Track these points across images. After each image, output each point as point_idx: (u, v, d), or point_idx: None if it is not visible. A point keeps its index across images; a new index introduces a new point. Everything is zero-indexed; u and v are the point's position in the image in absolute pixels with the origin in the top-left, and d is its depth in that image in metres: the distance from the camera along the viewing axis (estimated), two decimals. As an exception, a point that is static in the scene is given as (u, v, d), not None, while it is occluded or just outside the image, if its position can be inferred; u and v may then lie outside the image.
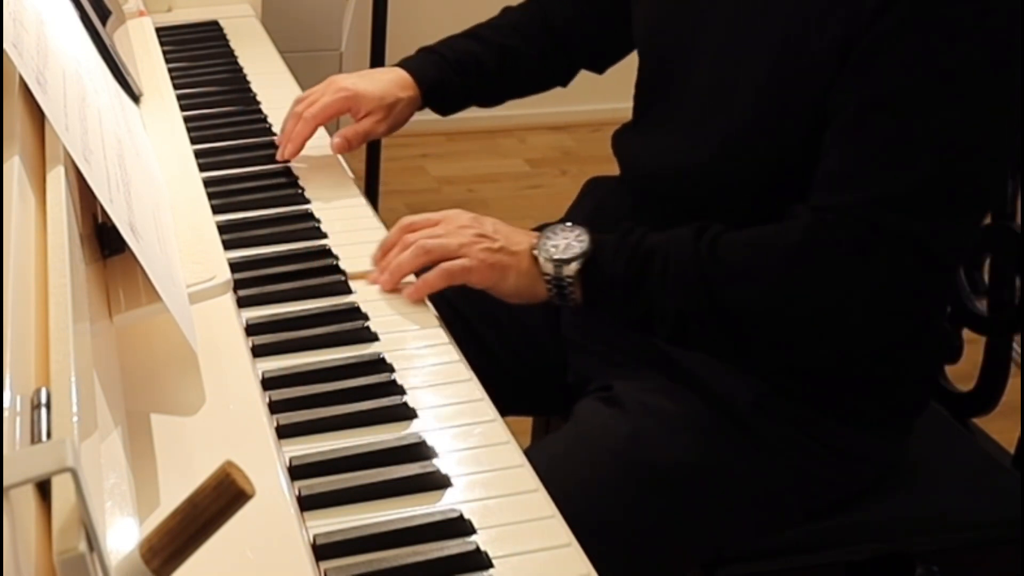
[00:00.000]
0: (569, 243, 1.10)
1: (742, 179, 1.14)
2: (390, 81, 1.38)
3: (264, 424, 0.91)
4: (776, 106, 1.08)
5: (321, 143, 1.42)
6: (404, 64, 1.41)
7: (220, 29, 1.84)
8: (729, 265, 1.06)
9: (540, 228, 1.15)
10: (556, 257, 1.09)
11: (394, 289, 1.12)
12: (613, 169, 1.37)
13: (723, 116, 1.13)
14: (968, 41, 0.99)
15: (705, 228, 1.08)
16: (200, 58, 1.72)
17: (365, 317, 1.08)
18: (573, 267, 1.09)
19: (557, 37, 1.43)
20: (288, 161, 1.38)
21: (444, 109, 1.45)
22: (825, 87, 1.05)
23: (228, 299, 1.05)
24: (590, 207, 1.39)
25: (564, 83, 1.50)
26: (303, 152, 1.38)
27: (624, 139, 1.33)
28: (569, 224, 1.12)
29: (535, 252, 1.10)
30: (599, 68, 1.47)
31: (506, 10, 1.48)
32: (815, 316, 1.05)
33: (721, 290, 1.05)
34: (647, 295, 1.07)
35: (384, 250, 1.15)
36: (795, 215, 1.06)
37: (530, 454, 0.93)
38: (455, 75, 1.40)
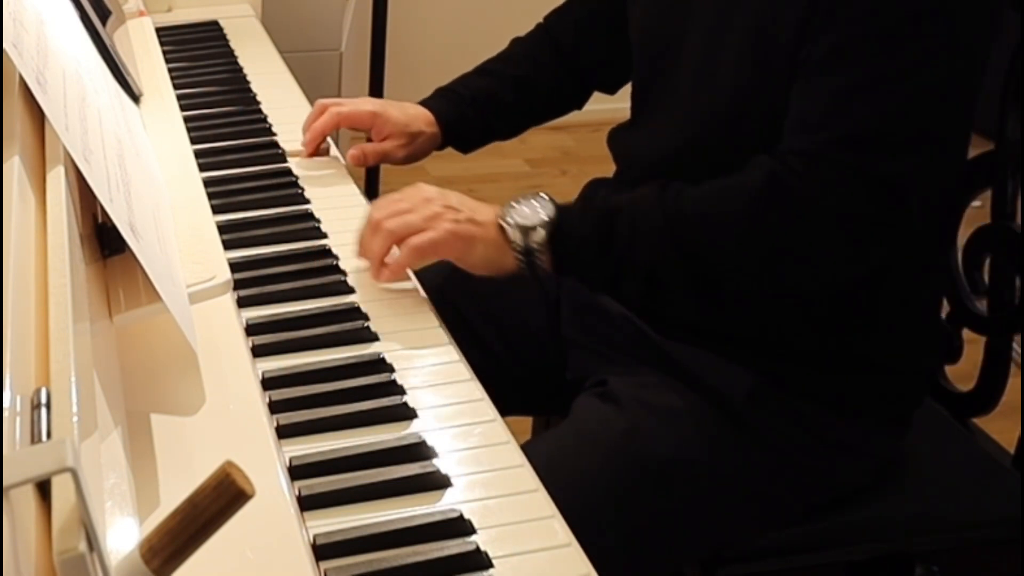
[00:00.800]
0: (535, 210, 1.10)
1: (731, 154, 1.13)
2: (416, 114, 1.40)
3: (264, 424, 0.91)
4: (756, 78, 1.10)
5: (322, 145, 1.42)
6: (425, 103, 1.43)
7: (220, 29, 1.84)
8: (695, 214, 1.07)
9: None
10: (522, 224, 1.09)
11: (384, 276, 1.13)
12: (613, 169, 1.37)
13: (707, 94, 1.14)
14: None
15: (669, 183, 1.09)
16: (200, 58, 1.72)
17: (365, 317, 1.08)
18: (541, 233, 1.09)
19: (566, 57, 1.44)
20: (288, 160, 1.38)
21: (465, 146, 1.46)
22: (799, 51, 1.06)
23: (228, 299, 1.05)
24: None
25: (579, 105, 1.51)
26: (303, 156, 1.38)
27: (619, 136, 1.34)
28: (537, 193, 1.12)
29: (501, 221, 1.11)
30: (611, 88, 1.47)
31: (515, 41, 1.49)
32: (782, 255, 1.06)
33: (689, 239, 1.06)
34: (616, 254, 1.08)
35: (360, 241, 1.15)
36: (756, 159, 1.07)
37: (528, 450, 0.93)
38: (473, 112, 1.42)
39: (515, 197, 1.13)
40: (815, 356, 1.15)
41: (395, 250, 1.12)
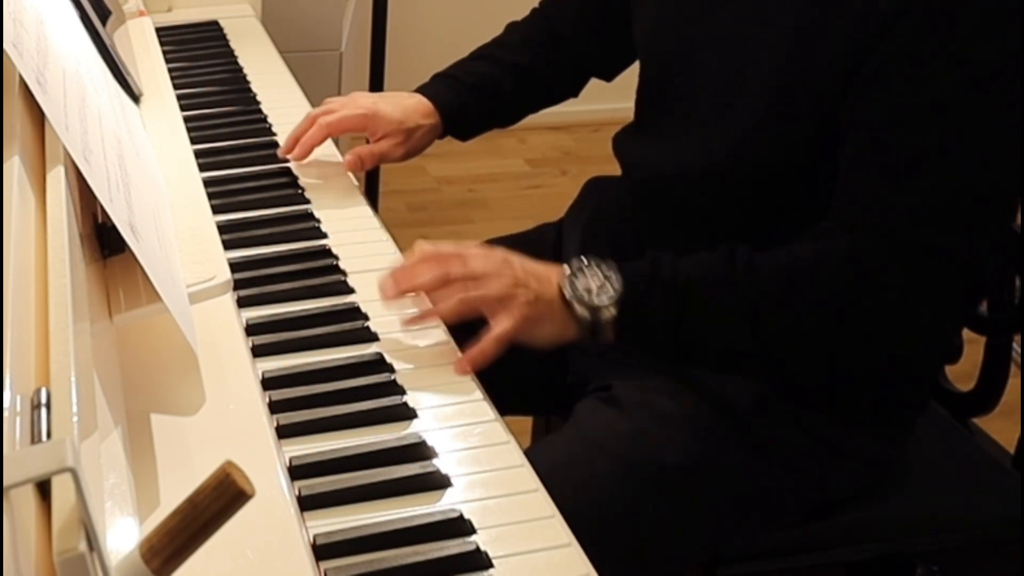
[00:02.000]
0: (602, 284, 1.05)
1: (748, 183, 1.13)
2: (412, 107, 1.36)
3: (264, 424, 0.91)
4: (784, 111, 1.07)
5: (323, 147, 1.42)
6: (424, 91, 1.39)
7: (220, 29, 1.84)
8: (773, 298, 1.03)
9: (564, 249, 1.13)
10: (591, 303, 1.04)
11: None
12: (613, 169, 1.37)
13: (730, 121, 1.11)
14: (982, 49, 0.98)
15: (734, 251, 1.05)
16: (200, 58, 1.72)
17: (365, 317, 1.08)
18: (610, 312, 1.04)
19: (564, 46, 1.42)
20: (287, 161, 1.37)
21: (464, 134, 1.43)
22: (835, 94, 1.03)
23: (228, 299, 1.05)
24: (591, 207, 1.38)
25: (575, 93, 1.48)
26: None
27: (626, 142, 1.32)
28: (594, 261, 1.06)
29: (566, 296, 1.05)
30: (608, 75, 1.46)
31: (511, 26, 1.47)
32: (866, 340, 1.04)
33: (767, 319, 1.03)
34: (689, 334, 1.05)
35: (406, 272, 1.07)
36: (827, 235, 1.04)
37: (531, 456, 0.93)
38: (473, 100, 1.39)
39: (573, 262, 1.06)
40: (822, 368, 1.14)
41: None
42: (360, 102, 1.37)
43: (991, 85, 0.99)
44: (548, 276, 1.06)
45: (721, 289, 1.04)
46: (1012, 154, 1.02)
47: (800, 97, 1.06)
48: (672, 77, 1.21)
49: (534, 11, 1.47)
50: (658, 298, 1.04)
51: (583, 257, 1.06)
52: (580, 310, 1.04)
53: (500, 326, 1.03)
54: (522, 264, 1.07)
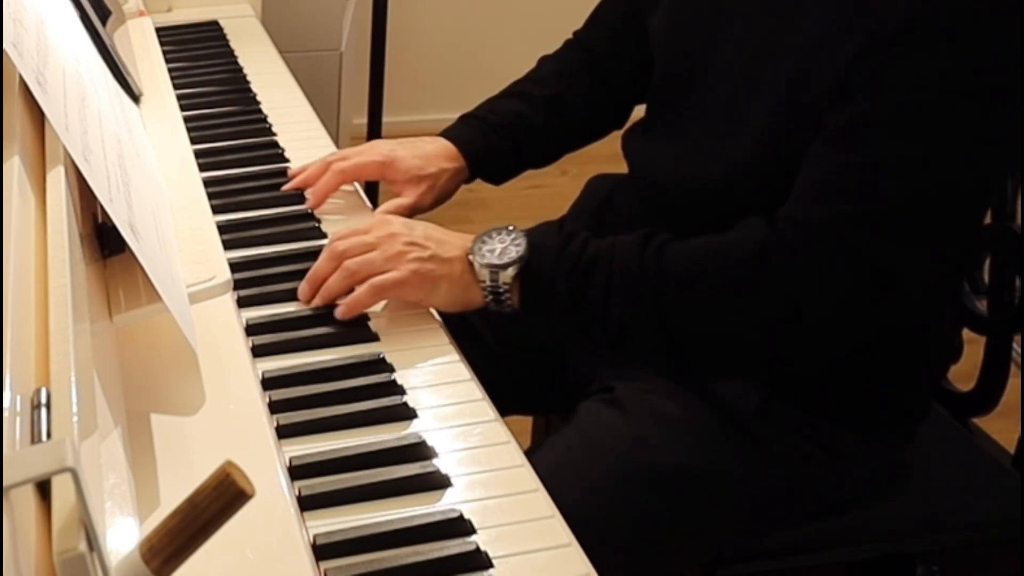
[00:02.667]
0: (506, 247, 1.07)
1: (754, 195, 1.11)
2: (432, 152, 1.30)
3: (264, 424, 0.91)
4: (791, 125, 1.06)
5: (323, 150, 1.42)
6: (446, 133, 1.34)
7: (220, 29, 1.84)
8: (676, 277, 1.04)
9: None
10: (491, 263, 1.06)
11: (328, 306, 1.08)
12: (613, 169, 1.37)
13: (739, 132, 1.10)
14: (974, 75, 0.97)
15: (651, 236, 1.06)
16: (200, 58, 1.72)
17: (365, 317, 1.08)
18: (509, 273, 1.06)
19: (602, 72, 1.37)
20: (287, 160, 1.37)
21: (496, 177, 1.38)
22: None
23: (228, 299, 1.05)
24: (594, 206, 1.37)
25: (619, 124, 1.41)
26: (303, 156, 1.38)
27: (636, 142, 1.30)
28: (507, 227, 1.09)
29: (470, 257, 1.07)
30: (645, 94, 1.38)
31: (543, 60, 1.42)
32: (761, 328, 1.03)
33: (667, 303, 1.03)
34: (588, 306, 1.05)
35: (316, 270, 1.10)
36: (748, 224, 1.04)
37: (533, 456, 0.93)
38: (501, 139, 1.33)
39: (487, 230, 1.09)
40: (824, 373, 1.14)
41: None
42: (378, 149, 1.30)
43: (968, 112, 0.98)
44: (455, 241, 1.10)
45: (627, 266, 1.05)
46: (970, 183, 1.00)
47: (805, 113, 1.04)
48: (684, 80, 1.19)
49: (567, 42, 1.42)
50: (563, 267, 1.06)
51: (500, 226, 1.09)
52: (480, 271, 1.07)
53: (384, 275, 1.06)
54: (425, 230, 1.10)
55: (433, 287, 1.08)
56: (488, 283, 1.07)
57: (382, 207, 1.28)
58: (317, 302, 1.08)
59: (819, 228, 1.00)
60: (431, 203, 1.30)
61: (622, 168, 1.35)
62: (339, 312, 1.07)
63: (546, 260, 1.06)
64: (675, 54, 1.21)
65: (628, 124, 1.34)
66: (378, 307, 1.10)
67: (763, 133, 1.08)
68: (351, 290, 1.08)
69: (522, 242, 1.07)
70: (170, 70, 1.56)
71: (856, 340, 1.07)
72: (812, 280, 1.01)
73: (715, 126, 1.14)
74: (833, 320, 1.03)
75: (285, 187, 1.30)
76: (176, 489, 0.80)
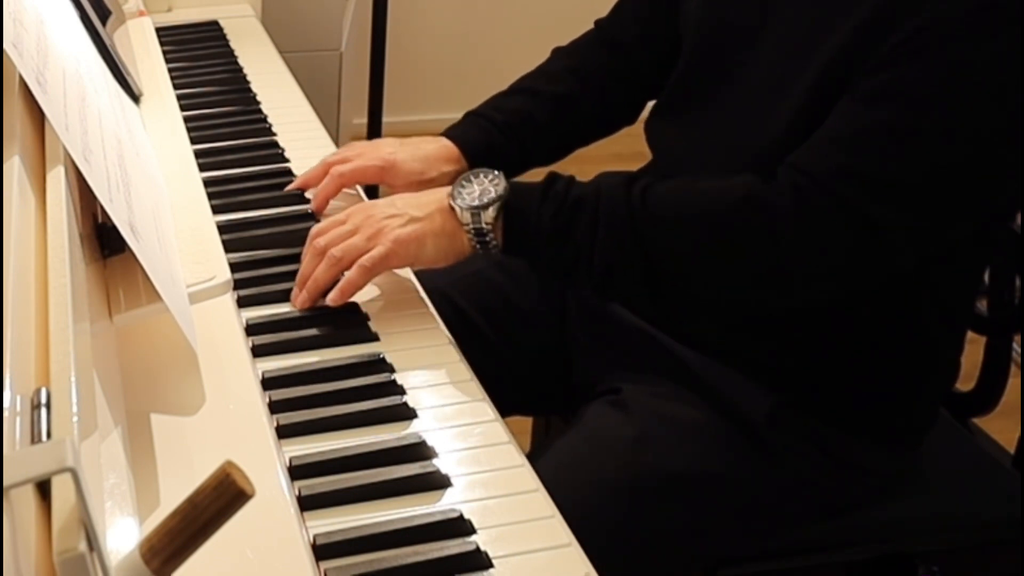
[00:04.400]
0: (484, 188, 1.07)
1: None
2: (433, 154, 1.28)
3: (264, 424, 0.91)
4: (819, 115, 1.04)
5: (323, 149, 1.42)
6: (449, 132, 1.32)
7: (220, 29, 1.84)
8: (661, 217, 1.03)
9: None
10: (472, 204, 1.06)
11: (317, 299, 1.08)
12: (613, 168, 1.36)
13: (774, 122, 1.09)
14: (1013, 58, 0.96)
15: (636, 178, 1.06)
16: (200, 58, 1.72)
17: (365, 317, 1.08)
18: (491, 212, 1.06)
19: (626, 61, 1.34)
20: (288, 160, 1.37)
21: None
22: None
23: (228, 299, 1.05)
24: None
25: (631, 119, 1.39)
26: (303, 156, 1.38)
27: (659, 127, 1.27)
28: (483, 169, 1.09)
29: (450, 202, 1.07)
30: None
31: (557, 52, 1.39)
32: (746, 271, 1.03)
33: (653, 244, 1.03)
34: (574, 246, 1.05)
35: (304, 267, 1.10)
36: (742, 174, 1.04)
37: (537, 457, 0.93)
38: (504, 139, 1.31)
39: (464, 174, 1.09)
40: (835, 380, 1.14)
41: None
42: (380, 152, 1.28)
43: (996, 89, 0.97)
44: (430, 196, 1.09)
45: (613, 206, 1.04)
46: (987, 168, 1.00)
47: (834, 103, 1.03)
48: (718, 67, 1.16)
49: (587, 32, 1.39)
50: (548, 209, 1.05)
51: (478, 169, 1.09)
52: (461, 214, 1.06)
53: (369, 254, 1.06)
54: (404, 199, 1.10)
55: (419, 247, 1.08)
56: (471, 225, 1.07)
57: None
58: (305, 298, 1.08)
59: (821, 178, 1.00)
60: None
61: (625, 167, 1.34)
62: (331, 298, 1.07)
63: (530, 200, 1.07)
64: (708, 39, 1.18)
65: (648, 114, 1.30)
66: (378, 306, 1.10)
67: (796, 119, 1.06)
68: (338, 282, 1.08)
69: (501, 182, 1.08)
70: (170, 70, 1.56)
71: (832, 296, 1.07)
72: (798, 226, 1.00)
73: (750, 112, 1.12)
74: (812, 270, 1.02)
75: (288, 188, 1.30)
76: (176, 489, 0.80)
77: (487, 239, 1.07)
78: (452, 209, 1.08)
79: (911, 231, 1.00)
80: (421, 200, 1.10)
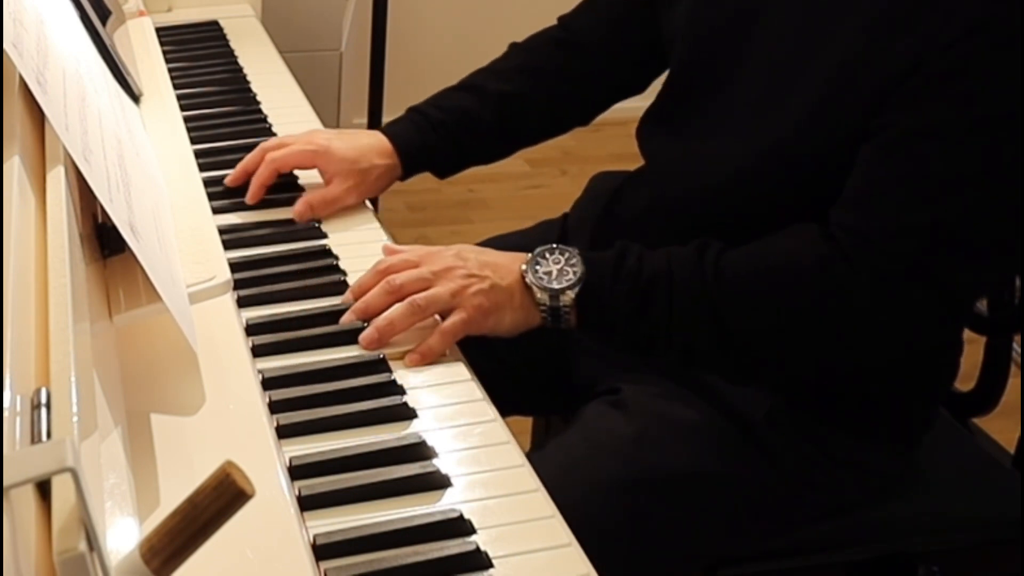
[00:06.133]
0: (562, 268, 1.06)
1: (775, 196, 1.10)
2: (368, 146, 1.28)
3: (264, 424, 0.91)
4: (826, 127, 1.04)
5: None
6: (386, 129, 1.32)
7: (220, 29, 1.84)
8: (738, 293, 1.03)
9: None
10: (550, 286, 1.05)
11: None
12: (613, 168, 1.36)
13: (768, 131, 1.08)
14: None
15: (706, 246, 1.05)
16: (200, 58, 1.72)
17: (365, 317, 1.08)
18: (569, 296, 1.05)
19: (586, 65, 1.34)
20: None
21: (439, 172, 1.36)
22: (879, 114, 1.01)
23: (228, 299, 1.05)
24: (601, 204, 1.34)
25: (584, 121, 1.40)
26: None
27: (652, 134, 1.27)
28: (558, 247, 1.08)
29: (527, 280, 1.06)
30: (641, 83, 1.37)
31: (513, 48, 1.39)
32: (826, 345, 1.04)
33: (730, 320, 1.03)
34: (651, 325, 1.05)
35: (360, 292, 1.07)
36: (805, 233, 1.03)
37: (537, 457, 0.93)
38: (440, 138, 1.31)
39: (539, 250, 1.07)
40: (833, 380, 1.14)
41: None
42: (314, 138, 1.29)
43: None
44: (508, 264, 1.08)
45: (688, 284, 1.04)
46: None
47: (843, 117, 1.02)
48: (713, 72, 1.16)
49: (547, 29, 1.38)
50: (622, 287, 1.05)
51: (553, 245, 1.07)
52: (540, 294, 1.06)
53: (451, 319, 1.04)
54: (479, 257, 1.08)
55: (498, 319, 1.06)
56: (548, 305, 1.06)
57: (305, 197, 1.25)
58: (377, 339, 1.03)
59: (880, 241, 0.99)
60: (357, 198, 1.28)
61: (622, 167, 1.35)
62: (410, 360, 1.02)
63: (604, 279, 1.05)
64: (699, 46, 1.18)
65: (620, 126, 1.32)
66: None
67: (800, 128, 1.05)
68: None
69: (578, 262, 1.06)
70: (170, 70, 1.56)
71: (917, 353, 1.08)
72: (875, 297, 1.00)
73: (746, 119, 1.11)
74: (896, 336, 1.03)
75: (228, 180, 1.29)
76: (176, 489, 0.80)
77: (562, 319, 1.07)
78: (528, 286, 1.06)
79: (979, 280, 1.01)
80: (500, 264, 1.07)
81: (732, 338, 1.03)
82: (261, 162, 1.28)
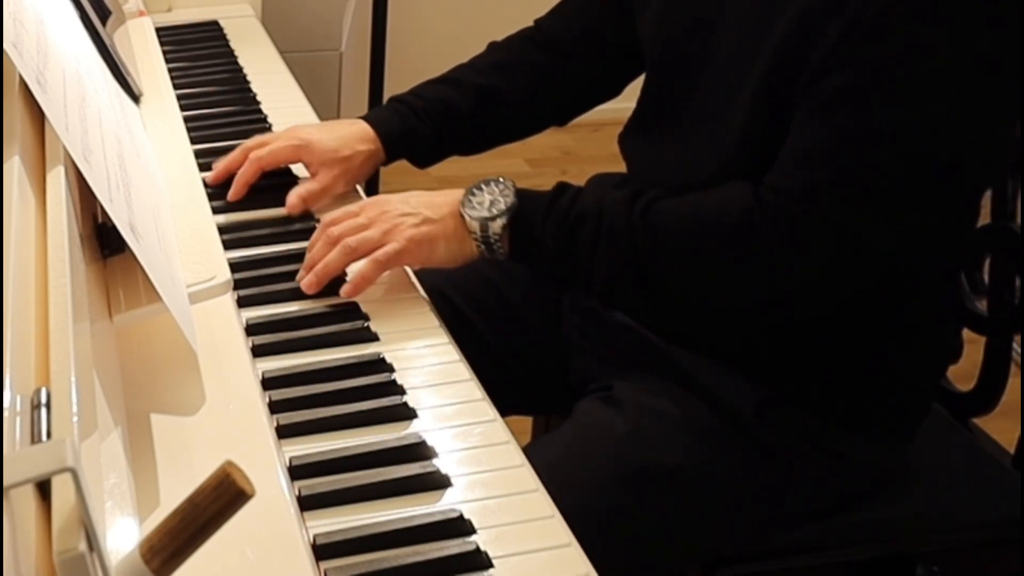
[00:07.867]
0: (495, 198, 1.10)
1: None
2: (349, 134, 1.31)
3: (264, 424, 0.91)
4: (774, 112, 1.06)
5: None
6: (367, 116, 1.34)
7: (220, 29, 1.84)
8: (662, 239, 1.05)
9: None
10: (481, 215, 1.09)
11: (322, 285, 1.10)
12: (613, 169, 1.37)
13: (723, 129, 1.10)
14: (964, 48, 0.97)
15: (639, 194, 1.08)
16: (200, 58, 1.72)
17: (365, 317, 1.08)
18: (499, 223, 1.09)
19: (560, 67, 1.36)
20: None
21: (419, 161, 1.37)
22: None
23: (228, 299, 1.05)
24: None
25: (560, 122, 1.42)
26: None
27: (632, 141, 1.30)
28: (498, 178, 1.11)
29: (461, 210, 1.10)
30: (616, 92, 1.39)
31: (492, 47, 1.41)
32: (742, 298, 1.05)
33: (651, 264, 1.05)
34: (575, 261, 1.08)
35: (313, 253, 1.12)
36: (736, 190, 1.05)
37: (530, 453, 0.93)
38: (421, 125, 1.33)
39: (477, 182, 1.12)
40: (824, 373, 1.14)
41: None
42: (295, 133, 1.31)
43: (957, 87, 0.98)
44: (444, 199, 1.12)
45: (615, 223, 1.06)
46: (955, 160, 1.00)
47: (783, 104, 1.04)
48: (676, 75, 1.19)
49: (524, 30, 1.41)
50: (552, 222, 1.08)
51: (490, 178, 1.11)
52: (471, 223, 1.09)
53: (383, 248, 1.09)
54: (418, 198, 1.13)
55: (431, 249, 1.11)
56: (479, 234, 1.10)
57: (295, 191, 1.26)
58: (313, 280, 1.09)
59: (801, 197, 1.01)
60: (344, 185, 1.30)
61: (621, 167, 1.35)
62: (345, 291, 1.09)
63: (536, 213, 1.09)
64: (668, 50, 1.20)
65: (620, 127, 1.33)
66: (378, 306, 1.10)
67: (747, 123, 1.08)
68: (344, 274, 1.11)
69: (510, 193, 1.10)
70: (170, 70, 1.56)
71: (829, 310, 1.09)
72: (792, 252, 1.02)
73: (709, 121, 1.14)
74: (809, 290, 1.04)
75: (209, 179, 1.29)
76: (176, 489, 0.80)
77: (493, 246, 1.10)
78: (462, 215, 1.10)
79: (894, 232, 1.01)
80: (435, 201, 1.12)
81: (651, 283, 1.06)
82: (243, 161, 1.29)
